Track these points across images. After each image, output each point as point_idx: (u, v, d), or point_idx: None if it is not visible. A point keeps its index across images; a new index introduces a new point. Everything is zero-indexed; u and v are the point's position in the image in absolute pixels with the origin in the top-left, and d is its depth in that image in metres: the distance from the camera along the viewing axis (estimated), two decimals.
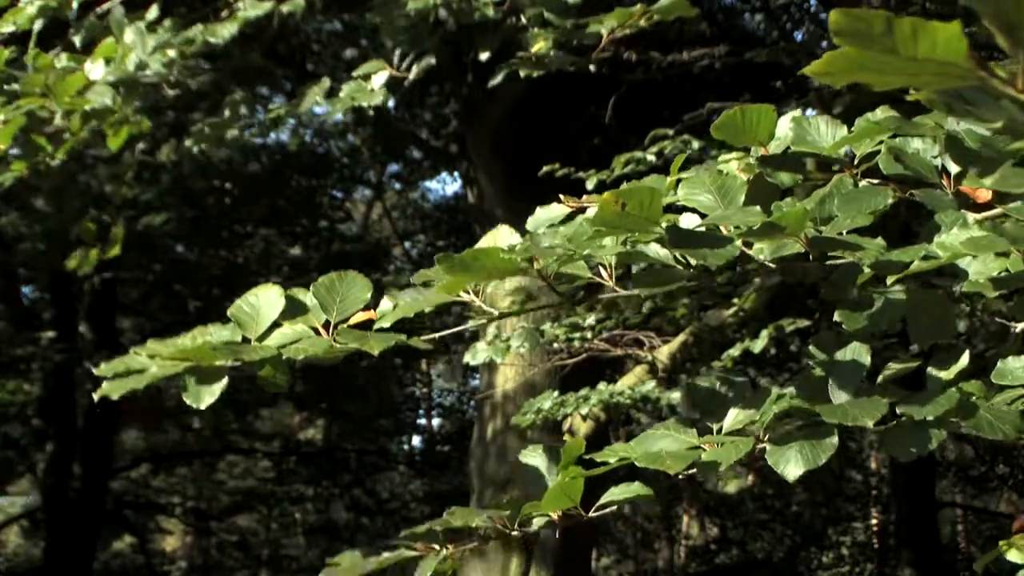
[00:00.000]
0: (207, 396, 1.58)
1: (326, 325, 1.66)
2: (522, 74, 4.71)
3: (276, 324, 1.64)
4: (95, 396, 1.60)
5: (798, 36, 10.74)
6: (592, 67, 4.99)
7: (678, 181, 1.64)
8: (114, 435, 15.98)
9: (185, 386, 1.57)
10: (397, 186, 16.44)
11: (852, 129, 1.64)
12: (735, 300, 6.55)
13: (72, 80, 4.03)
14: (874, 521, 17.57)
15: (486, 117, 8.49)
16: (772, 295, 6.68)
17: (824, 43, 8.32)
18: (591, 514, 1.65)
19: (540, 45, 4.62)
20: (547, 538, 7.66)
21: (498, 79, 4.84)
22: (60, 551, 14.59)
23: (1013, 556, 2.15)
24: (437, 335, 1.71)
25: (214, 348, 1.54)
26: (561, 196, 1.75)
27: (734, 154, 1.71)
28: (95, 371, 1.60)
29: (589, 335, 6.45)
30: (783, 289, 7.02)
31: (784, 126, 1.71)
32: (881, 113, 1.66)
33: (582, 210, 1.72)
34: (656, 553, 19.69)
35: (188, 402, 1.58)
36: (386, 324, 1.63)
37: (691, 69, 7.11)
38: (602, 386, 6.16)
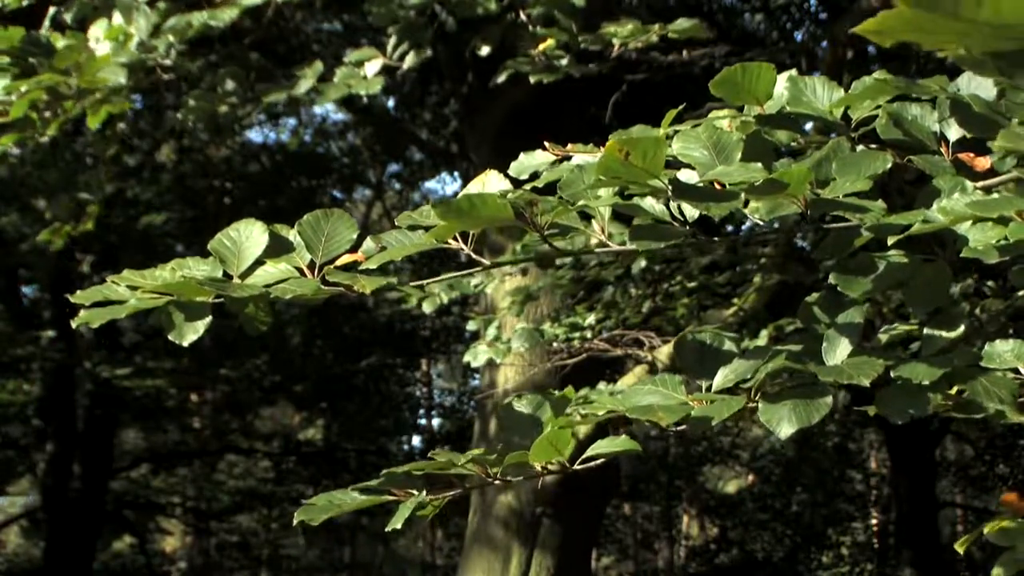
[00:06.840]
0: (191, 333, 1.55)
1: (311, 266, 1.62)
2: (532, 80, 4.68)
3: (259, 262, 1.60)
4: (73, 324, 1.59)
5: (798, 36, 10.74)
6: (593, 66, 4.98)
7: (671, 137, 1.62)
8: (114, 435, 15.96)
9: (168, 323, 1.55)
10: (397, 186, 16.42)
11: (851, 90, 1.63)
12: (735, 300, 6.53)
13: (101, 60, 4.03)
14: (874, 521, 17.57)
15: (486, 117, 8.47)
16: (772, 295, 6.65)
17: (824, 43, 8.30)
18: (576, 467, 1.63)
19: (548, 43, 4.61)
20: (548, 537, 7.65)
21: (501, 78, 4.81)
22: (60, 551, 14.57)
23: (993, 535, 2.13)
24: (425, 282, 1.68)
25: (199, 283, 1.51)
26: (546, 143, 1.73)
27: (726, 111, 1.69)
28: (71, 298, 1.58)
29: (589, 335, 6.43)
30: (783, 289, 6.99)
31: (780, 87, 1.67)
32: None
33: (567, 158, 1.70)
34: (656, 553, 19.67)
35: (171, 338, 1.55)
36: (374, 265, 1.58)
37: (691, 69, 7.08)
38: (602, 386, 6.13)
